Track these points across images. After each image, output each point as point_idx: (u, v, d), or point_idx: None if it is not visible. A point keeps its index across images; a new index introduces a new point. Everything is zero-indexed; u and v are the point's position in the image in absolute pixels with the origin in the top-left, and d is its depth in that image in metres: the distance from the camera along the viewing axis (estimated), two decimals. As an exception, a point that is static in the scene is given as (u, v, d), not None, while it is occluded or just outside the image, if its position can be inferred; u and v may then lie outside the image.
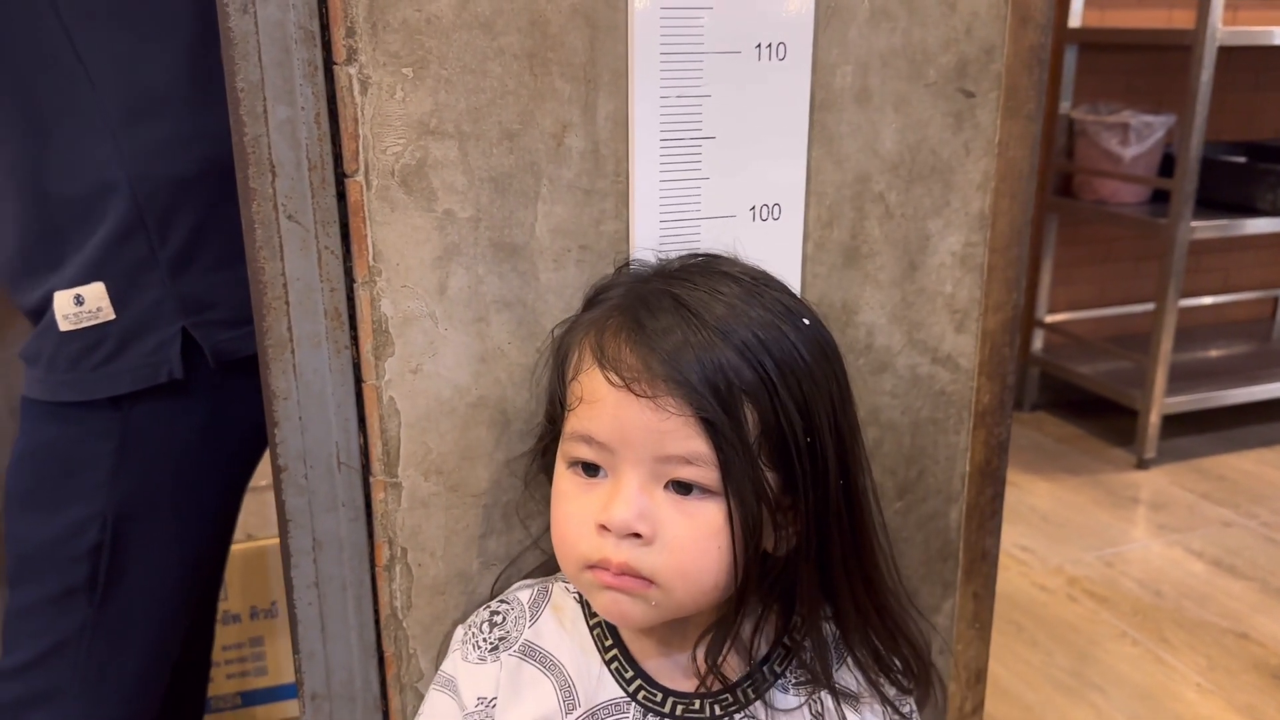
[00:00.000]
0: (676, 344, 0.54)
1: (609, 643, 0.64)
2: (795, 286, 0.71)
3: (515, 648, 0.64)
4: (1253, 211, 2.68)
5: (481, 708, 0.63)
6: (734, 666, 0.64)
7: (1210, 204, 2.69)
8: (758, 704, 0.64)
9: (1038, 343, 3.08)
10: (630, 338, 0.56)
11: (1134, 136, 2.70)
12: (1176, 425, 2.88)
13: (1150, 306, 2.72)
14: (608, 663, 0.64)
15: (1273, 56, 3.08)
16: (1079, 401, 3.09)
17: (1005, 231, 0.76)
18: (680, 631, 0.63)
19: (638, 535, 0.56)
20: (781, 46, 0.66)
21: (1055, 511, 2.54)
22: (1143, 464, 2.75)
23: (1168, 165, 2.72)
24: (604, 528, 0.57)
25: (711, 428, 0.54)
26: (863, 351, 0.76)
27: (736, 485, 0.55)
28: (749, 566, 0.57)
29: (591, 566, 0.58)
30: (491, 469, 0.69)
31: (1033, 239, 3.00)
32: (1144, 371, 2.72)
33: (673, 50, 0.64)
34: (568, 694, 0.63)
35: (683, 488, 0.56)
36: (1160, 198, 2.74)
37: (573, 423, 0.58)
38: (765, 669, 0.65)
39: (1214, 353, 3.10)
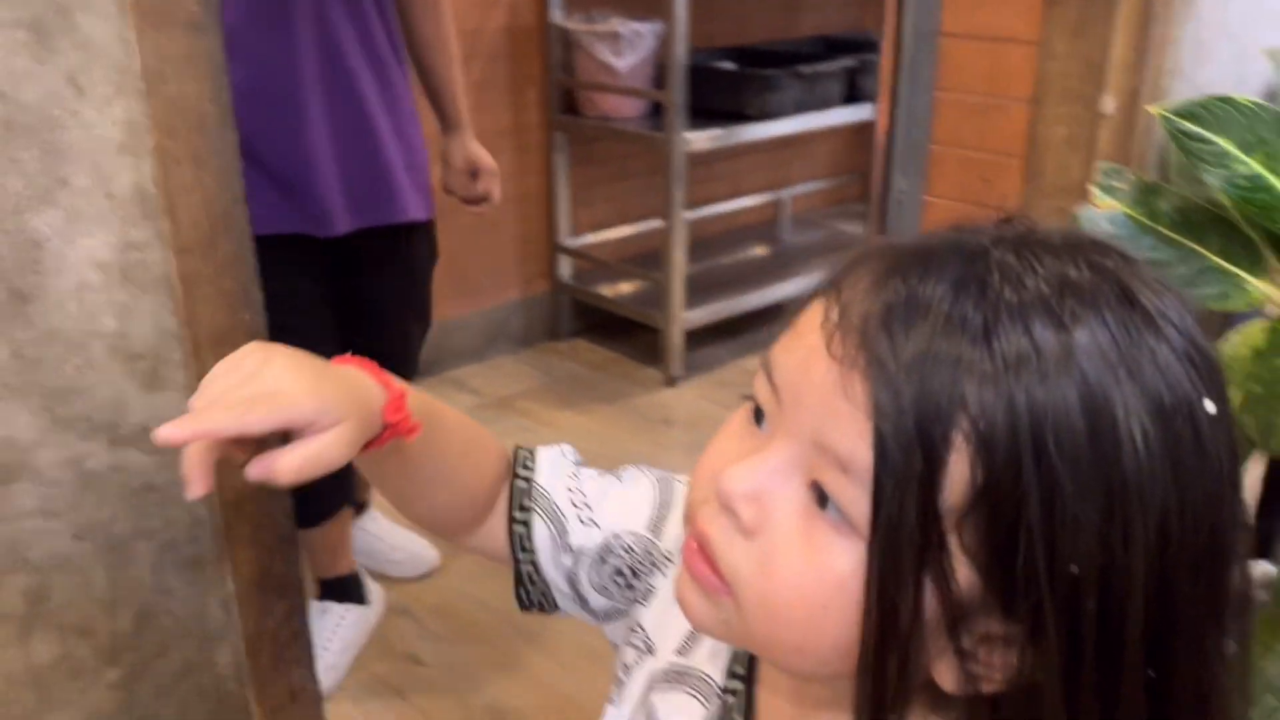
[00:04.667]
0: (922, 337, 0.41)
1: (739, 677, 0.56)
2: None
3: None
4: (744, 118, 2.67)
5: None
6: None
7: (707, 113, 2.64)
8: None
9: (565, 269, 2.94)
10: (878, 285, 0.43)
11: (626, 46, 2.57)
12: (701, 338, 2.88)
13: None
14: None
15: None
16: (611, 324, 3.00)
17: (198, 219, 0.46)
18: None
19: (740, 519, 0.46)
20: None
21: (589, 447, 2.40)
22: (671, 381, 2.72)
23: (664, 76, 2.63)
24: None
25: (881, 442, 0.41)
26: (-54, 459, 0.43)
27: (888, 541, 0.41)
28: (891, 674, 0.43)
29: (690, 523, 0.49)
30: None
31: (544, 160, 2.82)
32: (663, 289, 2.66)
33: None
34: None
35: (823, 498, 0.44)
36: (661, 110, 2.65)
37: (772, 351, 0.49)
38: None
39: (728, 260, 3.14)
